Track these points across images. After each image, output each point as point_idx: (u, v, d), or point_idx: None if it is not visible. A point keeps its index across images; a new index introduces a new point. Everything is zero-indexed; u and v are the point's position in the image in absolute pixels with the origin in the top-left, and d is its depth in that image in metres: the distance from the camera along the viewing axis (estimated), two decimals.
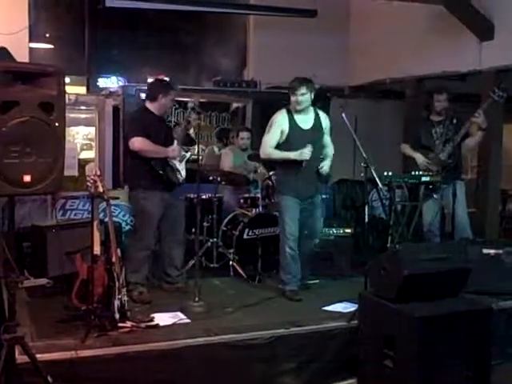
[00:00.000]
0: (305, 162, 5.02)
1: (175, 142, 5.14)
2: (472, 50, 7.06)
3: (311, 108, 5.21)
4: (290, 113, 5.14)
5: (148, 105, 5.13)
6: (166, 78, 5.63)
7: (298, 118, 5.13)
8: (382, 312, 4.00)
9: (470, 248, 4.74)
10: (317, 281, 5.60)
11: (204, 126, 8.29)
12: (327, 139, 5.27)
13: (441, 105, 5.88)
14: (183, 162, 5.17)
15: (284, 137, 5.11)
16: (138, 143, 4.88)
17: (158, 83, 5.33)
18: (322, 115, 5.26)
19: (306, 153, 4.99)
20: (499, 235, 7.63)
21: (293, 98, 5.09)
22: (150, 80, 6.32)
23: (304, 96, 5.06)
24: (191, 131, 5.22)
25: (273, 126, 5.14)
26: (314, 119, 5.20)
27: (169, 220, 5.14)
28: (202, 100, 7.70)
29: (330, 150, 5.29)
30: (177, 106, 5.58)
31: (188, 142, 5.33)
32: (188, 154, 5.25)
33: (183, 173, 5.16)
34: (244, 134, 7.02)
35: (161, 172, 4.98)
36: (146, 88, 5.51)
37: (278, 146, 5.14)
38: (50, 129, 3.18)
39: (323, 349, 4.29)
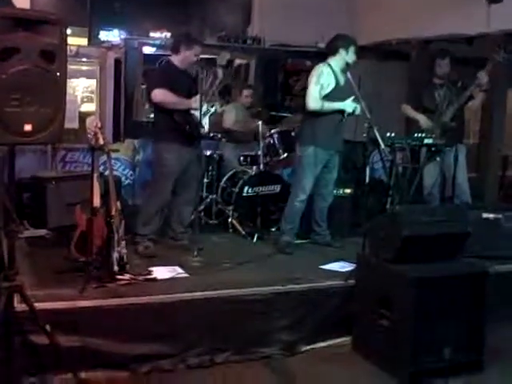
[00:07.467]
0: (346, 113, 5.12)
1: (198, 94, 5.04)
2: (480, 13, 6.93)
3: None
4: (331, 67, 5.22)
5: (172, 57, 5.11)
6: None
7: (337, 73, 5.24)
8: (379, 272, 4.03)
9: (469, 212, 4.73)
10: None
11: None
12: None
13: (442, 70, 5.84)
14: (206, 117, 5.15)
15: (328, 90, 5.16)
16: (159, 95, 4.86)
17: (182, 35, 5.27)
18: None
19: (351, 105, 5.10)
20: (498, 200, 7.63)
21: (338, 57, 5.22)
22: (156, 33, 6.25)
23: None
24: (216, 87, 5.19)
25: (320, 78, 5.15)
26: (345, 76, 5.27)
27: (185, 176, 5.09)
28: (205, 56, 7.61)
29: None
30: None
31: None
32: (212, 109, 5.24)
33: (206, 127, 5.15)
34: (247, 92, 7.00)
35: (183, 125, 4.95)
36: (171, 41, 5.46)
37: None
38: (52, 78, 3.12)
39: (319, 306, 4.32)
